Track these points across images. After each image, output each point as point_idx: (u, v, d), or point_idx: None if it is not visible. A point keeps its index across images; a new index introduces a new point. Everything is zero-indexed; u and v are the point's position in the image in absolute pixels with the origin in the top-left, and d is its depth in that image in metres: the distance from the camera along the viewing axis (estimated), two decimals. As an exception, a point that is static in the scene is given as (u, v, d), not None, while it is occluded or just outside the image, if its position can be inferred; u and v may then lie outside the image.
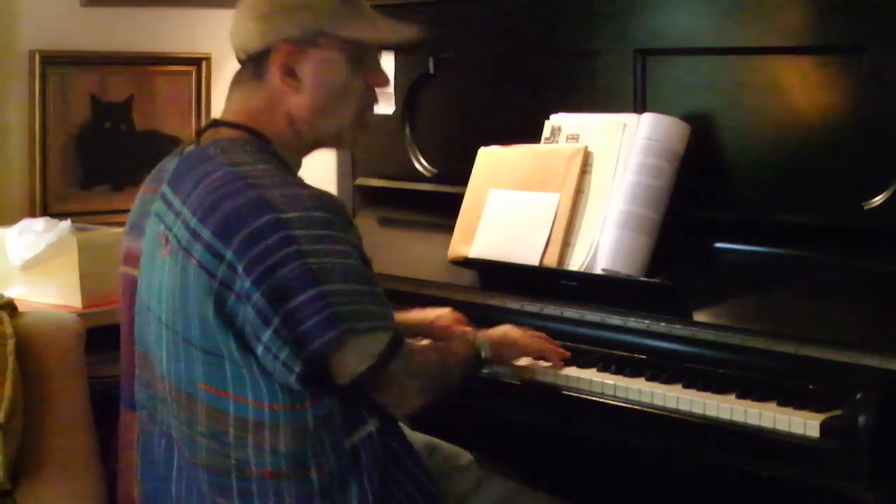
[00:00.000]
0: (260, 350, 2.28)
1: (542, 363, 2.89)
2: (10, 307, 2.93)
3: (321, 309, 2.25)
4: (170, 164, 2.54)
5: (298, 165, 2.57)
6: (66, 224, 3.50)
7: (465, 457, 2.82)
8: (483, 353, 2.72)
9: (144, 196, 2.63)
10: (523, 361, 2.90)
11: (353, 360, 2.32)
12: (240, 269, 2.25)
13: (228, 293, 2.27)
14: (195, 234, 2.31)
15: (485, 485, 2.74)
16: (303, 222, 2.27)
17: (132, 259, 2.60)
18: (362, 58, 2.54)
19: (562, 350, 2.91)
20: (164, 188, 2.45)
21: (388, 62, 3.45)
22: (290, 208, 2.27)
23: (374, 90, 2.60)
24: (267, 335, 2.26)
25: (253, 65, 2.52)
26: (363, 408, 2.42)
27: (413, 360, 2.45)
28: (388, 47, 2.65)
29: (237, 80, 2.56)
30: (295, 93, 2.50)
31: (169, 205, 2.41)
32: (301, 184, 2.38)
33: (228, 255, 2.26)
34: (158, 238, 2.42)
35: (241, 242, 2.25)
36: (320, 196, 2.35)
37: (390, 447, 2.45)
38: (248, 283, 2.24)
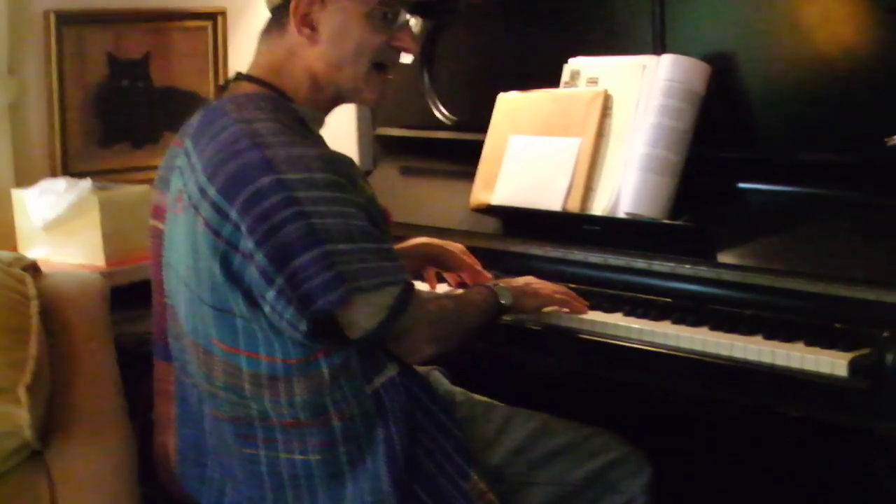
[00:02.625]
0: (267, 308, 2.29)
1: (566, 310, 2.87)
2: (33, 268, 2.93)
3: (325, 268, 2.25)
4: (195, 118, 2.54)
5: (320, 122, 2.57)
6: (86, 183, 3.50)
7: (492, 403, 2.81)
8: (503, 301, 2.69)
9: (172, 150, 2.63)
10: (553, 308, 2.87)
11: (362, 317, 2.32)
12: (243, 228, 2.25)
13: (234, 252, 2.28)
14: (203, 192, 2.32)
15: (512, 423, 2.73)
16: (306, 183, 2.27)
17: (159, 212, 2.60)
18: (386, 15, 2.52)
19: (584, 304, 2.88)
20: (187, 142, 2.45)
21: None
22: (292, 169, 2.27)
23: (393, 50, 2.58)
24: (271, 295, 2.26)
25: (278, 15, 2.53)
26: (381, 353, 2.43)
27: (425, 309, 2.46)
28: (413, 8, 2.60)
29: (264, 31, 2.58)
30: (312, 44, 2.49)
31: (188, 159, 2.42)
32: (309, 143, 2.37)
33: (233, 214, 2.26)
34: (177, 193, 2.43)
35: (244, 202, 2.25)
36: (326, 156, 2.35)
37: (413, 392, 2.46)
38: (251, 243, 2.25)
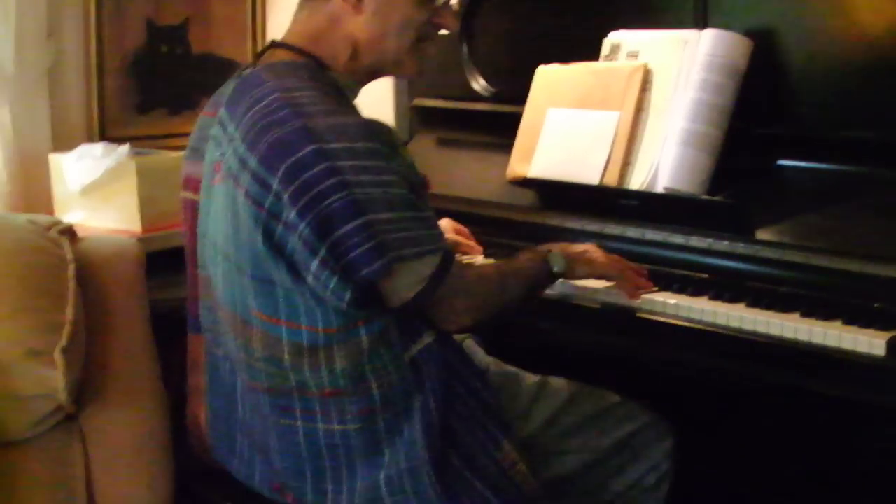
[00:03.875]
0: (310, 279, 2.29)
1: (604, 283, 2.85)
2: (69, 232, 2.94)
3: (368, 238, 2.25)
4: (227, 88, 2.54)
5: (356, 93, 2.56)
6: (124, 148, 3.50)
7: (523, 374, 2.81)
8: (555, 268, 2.65)
9: (204, 120, 2.63)
10: (590, 282, 2.84)
11: (403, 286, 2.33)
12: (285, 198, 2.25)
13: (276, 223, 2.28)
14: (243, 163, 2.31)
15: (543, 394, 2.74)
16: (347, 153, 2.26)
17: (192, 183, 2.60)
18: None
19: (644, 280, 2.83)
20: (222, 112, 2.45)
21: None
22: (334, 138, 2.27)
23: (435, 26, 2.58)
24: (315, 265, 2.27)
25: None
26: (418, 321, 2.43)
27: (464, 278, 2.44)
28: None
29: None
30: (356, 13, 2.49)
31: (224, 129, 2.42)
32: (349, 111, 2.38)
33: (275, 184, 2.26)
34: (214, 163, 2.43)
35: (285, 172, 2.25)
36: (366, 125, 2.34)
37: (448, 360, 2.46)
38: (293, 214, 2.25)
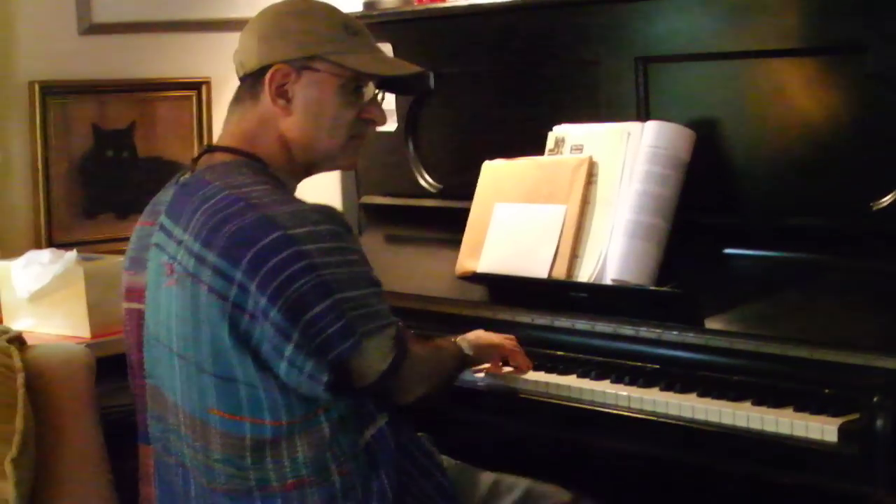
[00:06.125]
0: (283, 367, 2.31)
1: (563, 377, 2.88)
2: (18, 340, 2.92)
3: (338, 318, 2.30)
4: (165, 196, 2.56)
5: (293, 189, 2.59)
6: (71, 254, 3.49)
7: (477, 470, 2.81)
8: (467, 352, 2.79)
9: (142, 230, 2.62)
10: (541, 376, 2.90)
11: (375, 359, 2.38)
12: (252, 288, 2.28)
13: (242, 314, 2.30)
14: (201, 259, 2.32)
15: (497, 491, 2.75)
16: (311, 237, 2.31)
17: (135, 293, 2.59)
18: (358, 89, 2.57)
19: (526, 359, 2.97)
20: (163, 219, 2.47)
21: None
22: (296, 224, 2.31)
23: (365, 122, 2.61)
24: (289, 350, 2.29)
25: (250, 83, 2.56)
26: (370, 404, 2.47)
27: (413, 348, 2.51)
28: (384, 82, 2.64)
29: (235, 98, 2.60)
30: (286, 114, 2.53)
31: (169, 234, 2.42)
32: (299, 200, 2.42)
33: (238, 275, 2.28)
34: (162, 268, 2.43)
35: (250, 261, 2.28)
36: (321, 209, 2.38)
37: (400, 443, 2.51)
38: (263, 301, 2.27)
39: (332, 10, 2.60)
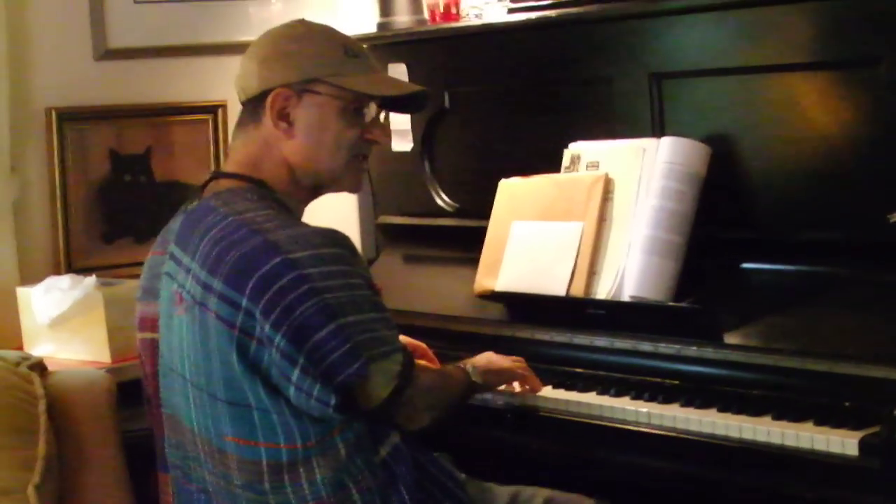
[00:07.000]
0: (291, 391, 2.31)
1: (583, 395, 2.89)
2: (39, 367, 2.93)
3: (342, 342, 2.30)
4: (174, 224, 2.57)
5: (301, 212, 2.60)
6: (91, 280, 3.51)
7: (494, 487, 2.81)
8: (475, 379, 2.77)
9: (154, 259, 2.63)
10: (561, 394, 2.91)
11: (378, 385, 2.37)
12: (257, 314, 2.28)
13: (250, 340, 2.30)
14: (207, 287, 2.34)
15: (520, 498, 2.75)
16: (313, 260, 2.31)
17: (148, 323, 2.60)
18: (359, 109, 2.57)
19: (537, 381, 2.95)
20: (172, 247, 2.49)
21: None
22: (298, 248, 2.31)
23: (368, 142, 2.62)
24: (296, 375, 2.29)
25: (252, 108, 2.58)
26: (383, 423, 2.47)
27: (420, 377, 2.51)
28: (386, 102, 2.65)
29: (238, 123, 2.62)
30: (288, 137, 2.54)
31: (178, 263, 2.44)
32: (304, 224, 2.43)
33: (244, 302, 2.29)
34: (173, 297, 2.45)
35: (254, 288, 2.29)
36: (325, 233, 2.39)
37: (418, 461, 2.51)
38: (267, 327, 2.28)
39: (332, 33, 2.61)
